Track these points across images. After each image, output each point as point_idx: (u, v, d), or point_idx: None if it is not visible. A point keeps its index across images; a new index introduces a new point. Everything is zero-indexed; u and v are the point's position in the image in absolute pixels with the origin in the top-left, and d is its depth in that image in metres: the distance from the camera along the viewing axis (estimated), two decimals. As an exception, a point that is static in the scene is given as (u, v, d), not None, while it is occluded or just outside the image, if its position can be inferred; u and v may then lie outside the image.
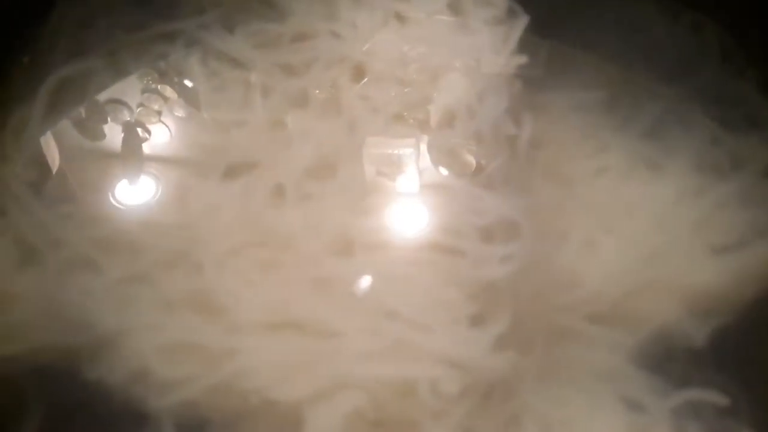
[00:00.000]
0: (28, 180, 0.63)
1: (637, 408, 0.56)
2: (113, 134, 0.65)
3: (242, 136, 0.63)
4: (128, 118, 0.66)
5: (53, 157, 0.65)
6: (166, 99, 0.67)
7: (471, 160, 0.62)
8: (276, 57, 0.67)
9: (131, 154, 0.64)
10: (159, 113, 0.66)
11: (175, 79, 0.67)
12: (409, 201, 0.61)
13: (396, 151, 0.62)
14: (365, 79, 0.65)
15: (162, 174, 0.64)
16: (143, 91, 0.67)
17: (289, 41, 0.68)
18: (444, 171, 0.62)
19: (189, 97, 0.66)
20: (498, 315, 0.55)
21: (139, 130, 0.65)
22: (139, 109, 0.66)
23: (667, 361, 0.58)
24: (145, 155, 0.64)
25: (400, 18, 0.68)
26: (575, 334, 0.58)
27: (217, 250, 0.58)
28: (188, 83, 0.67)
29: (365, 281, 0.56)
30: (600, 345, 0.58)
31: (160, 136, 0.66)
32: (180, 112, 0.66)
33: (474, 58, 0.65)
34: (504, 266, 0.56)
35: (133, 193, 0.63)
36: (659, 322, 0.59)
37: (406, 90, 0.64)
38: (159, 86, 0.67)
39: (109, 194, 0.63)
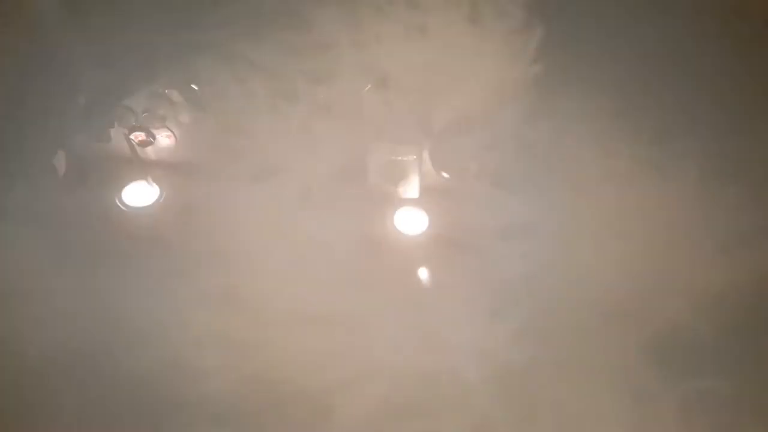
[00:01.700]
0: (65, 178, 0.65)
1: (646, 399, 0.57)
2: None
3: (270, 142, 0.65)
4: (134, 122, 0.67)
5: (88, 155, 0.68)
6: (173, 104, 0.68)
7: (475, 166, 0.64)
8: (302, 66, 0.68)
9: (161, 157, 0.67)
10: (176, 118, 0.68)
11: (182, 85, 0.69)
12: (431, 203, 0.62)
13: (410, 158, 0.64)
14: (387, 88, 0.67)
15: (196, 177, 0.66)
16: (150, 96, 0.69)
17: (314, 50, 0.69)
18: (447, 176, 0.64)
19: (202, 102, 0.68)
20: (515, 309, 0.56)
21: (165, 134, 0.68)
22: (144, 114, 0.68)
23: (676, 355, 0.59)
24: (175, 158, 0.66)
25: (421, 28, 0.69)
26: (588, 329, 0.59)
27: (248, 248, 0.59)
28: (194, 87, 0.69)
29: (390, 277, 0.57)
30: (611, 340, 0.59)
31: (189, 140, 0.68)
32: (196, 117, 0.68)
33: (492, 67, 0.66)
34: (521, 264, 0.58)
35: (169, 195, 0.65)
36: (668, 319, 0.60)
37: (427, 98, 0.66)
38: (167, 91, 0.69)
39: (143, 194, 0.65)
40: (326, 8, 0.71)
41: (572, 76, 0.71)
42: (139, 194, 0.65)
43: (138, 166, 0.67)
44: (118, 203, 0.64)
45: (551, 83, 0.69)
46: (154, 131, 0.68)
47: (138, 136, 0.68)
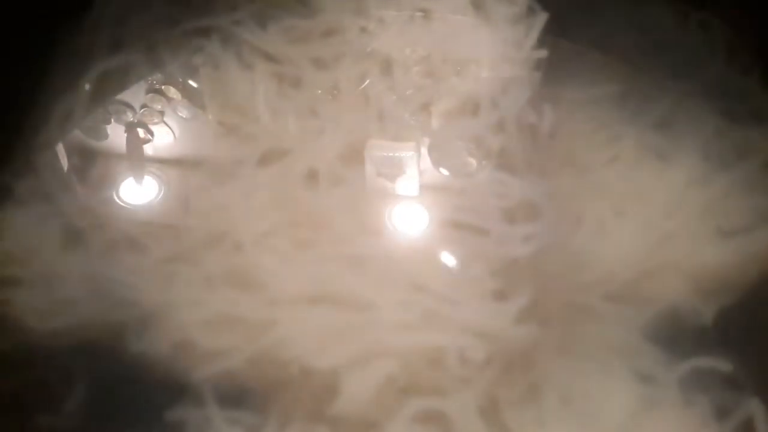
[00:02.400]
0: (73, 166, 0.66)
1: (648, 380, 0.57)
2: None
3: (277, 125, 0.65)
4: (132, 119, 0.68)
5: (96, 144, 0.68)
6: (169, 99, 0.69)
7: (472, 161, 0.64)
8: (307, 51, 0.68)
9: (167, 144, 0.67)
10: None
11: (180, 79, 0.69)
12: (437, 186, 0.63)
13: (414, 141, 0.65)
14: (392, 72, 0.67)
15: (202, 160, 0.66)
16: (147, 92, 0.69)
17: (319, 36, 0.70)
18: (445, 171, 0.64)
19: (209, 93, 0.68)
20: (520, 290, 0.56)
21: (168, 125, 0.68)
22: (143, 110, 0.69)
23: (677, 337, 0.60)
24: (184, 142, 0.67)
25: (425, 14, 0.70)
26: (591, 311, 0.60)
27: (255, 230, 0.59)
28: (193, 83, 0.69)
29: (396, 257, 0.58)
30: (614, 321, 0.60)
31: (197, 124, 0.69)
32: (203, 102, 0.69)
33: (496, 52, 0.67)
34: (525, 245, 0.58)
35: (174, 179, 0.65)
36: (669, 301, 0.61)
37: (432, 82, 0.66)
38: (164, 87, 0.70)
39: (149, 179, 0.65)
40: (331, -6, 0.71)
41: (576, 61, 0.72)
42: (147, 179, 0.66)
43: (146, 151, 0.68)
44: (125, 188, 0.65)
45: (555, 68, 0.70)
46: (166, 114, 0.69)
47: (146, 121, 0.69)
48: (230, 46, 0.70)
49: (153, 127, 0.69)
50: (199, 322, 0.57)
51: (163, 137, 0.69)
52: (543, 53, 0.68)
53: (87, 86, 0.69)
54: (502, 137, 0.63)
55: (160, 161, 0.68)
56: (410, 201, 0.62)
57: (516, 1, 0.70)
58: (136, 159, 0.66)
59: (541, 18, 0.69)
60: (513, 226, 0.59)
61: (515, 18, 0.70)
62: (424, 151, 0.64)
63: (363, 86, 0.67)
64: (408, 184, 0.63)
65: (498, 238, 0.59)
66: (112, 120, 0.68)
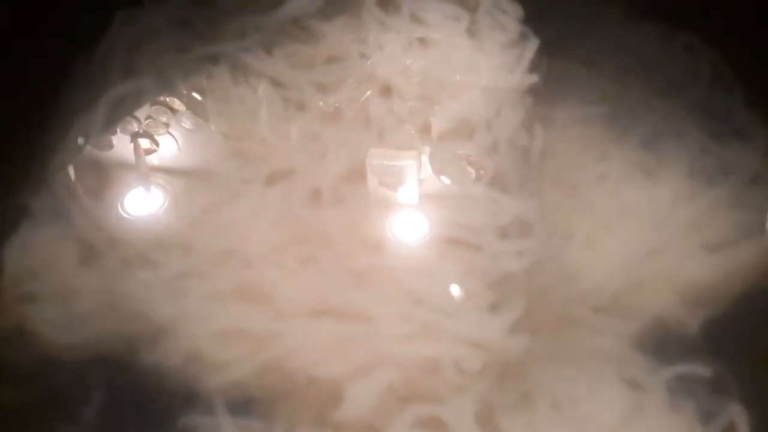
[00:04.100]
0: (87, 186, 0.68)
1: (636, 387, 0.59)
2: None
3: (282, 147, 0.67)
4: (137, 130, 0.69)
5: (109, 164, 0.70)
6: (174, 111, 0.70)
7: (471, 170, 0.65)
8: (311, 76, 0.70)
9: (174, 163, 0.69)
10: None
11: (184, 92, 0.70)
12: (433, 203, 0.65)
13: (411, 162, 0.66)
14: (392, 96, 0.69)
15: (208, 173, 0.68)
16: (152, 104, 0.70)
17: (322, 62, 0.71)
18: (446, 180, 0.65)
19: (201, 110, 0.70)
20: (513, 303, 0.58)
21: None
22: (147, 121, 0.70)
23: (664, 346, 0.62)
24: (194, 164, 0.69)
25: (422, 41, 0.71)
26: (581, 322, 0.62)
27: (262, 247, 0.61)
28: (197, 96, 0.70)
29: (395, 272, 0.59)
30: (603, 332, 0.62)
31: (206, 146, 0.70)
32: (212, 125, 0.70)
33: (490, 76, 0.68)
34: (518, 261, 0.60)
35: (180, 189, 0.67)
36: (656, 313, 0.63)
37: (428, 105, 0.68)
38: (168, 99, 0.70)
39: (160, 198, 0.67)
40: (333, 22, 0.73)
41: (565, 84, 0.74)
42: (153, 189, 0.68)
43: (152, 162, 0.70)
44: (133, 200, 0.67)
45: (546, 89, 0.71)
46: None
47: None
48: (238, 71, 0.71)
49: (158, 138, 0.71)
50: (209, 334, 0.59)
51: (169, 148, 0.70)
52: (535, 78, 0.70)
53: (102, 109, 0.71)
54: (496, 158, 0.65)
55: (167, 171, 0.69)
56: (409, 216, 0.64)
57: (509, 28, 0.72)
58: (143, 170, 0.68)
59: (533, 44, 0.71)
60: (506, 242, 0.61)
61: (508, 44, 0.71)
62: (424, 160, 0.66)
63: (363, 99, 0.69)
64: (407, 196, 0.65)
65: (492, 254, 0.60)
66: (118, 131, 0.70)
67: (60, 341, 0.61)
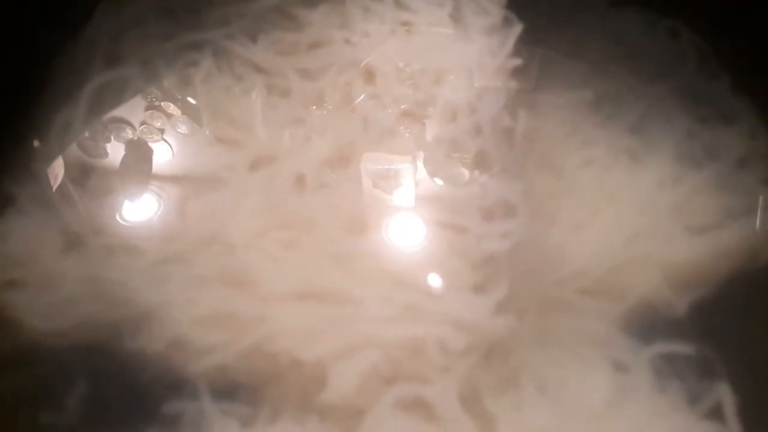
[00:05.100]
0: (71, 174, 0.68)
1: (622, 368, 0.59)
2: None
3: (266, 133, 0.67)
4: (132, 136, 0.69)
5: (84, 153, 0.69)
6: (169, 116, 0.70)
7: (465, 171, 0.66)
8: (295, 63, 0.70)
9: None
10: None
11: (179, 96, 0.70)
12: (419, 186, 0.65)
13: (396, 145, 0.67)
14: (375, 81, 0.69)
15: (194, 167, 0.68)
16: (146, 108, 0.71)
17: (306, 48, 0.71)
18: (439, 181, 0.65)
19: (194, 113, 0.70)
20: (497, 284, 0.58)
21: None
22: (142, 127, 0.70)
23: (650, 328, 0.61)
24: (176, 150, 0.69)
25: (406, 27, 0.72)
26: (566, 304, 0.62)
27: (245, 232, 0.61)
28: (191, 100, 0.70)
29: (379, 255, 0.60)
30: (589, 314, 0.62)
31: (189, 132, 0.70)
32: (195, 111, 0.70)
33: (474, 61, 0.69)
34: (502, 242, 0.60)
35: (168, 185, 0.67)
36: (642, 294, 0.63)
37: (412, 89, 0.68)
38: (162, 103, 0.70)
39: (144, 185, 0.67)
40: (317, 9, 0.73)
41: (551, 69, 0.74)
42: (140, 188, 0.68)
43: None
44: (122, 197, 0.67)
45: (531, 76, 0.72)
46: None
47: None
48: (222, 59, 0.71)
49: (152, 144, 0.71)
50: (193, 319, 0.59)
51: (162, 153, 0.70)
52: (518, 61, 0.70)
53: (86, 98, 0.70)
54: (479, 140, 0.65)
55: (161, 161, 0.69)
56: (392, 200, 0.64)
57: (492, 13, 0.72)
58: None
59: (516, 28, 0.71)
60: (490, 224, 0.61)
61: (492, 29, 0.72)
62: (411, 157, 0.66)
63: (358, 101, 0.69)
64: (390, 187, 0.65)
65: (476, 235, 0.61)
66: (112, 138, 0.70)
67: (44, 328, 0.61)
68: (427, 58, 0.70)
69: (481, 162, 0.65)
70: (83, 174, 0.68)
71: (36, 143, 0.69)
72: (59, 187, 0.67)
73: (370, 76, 0.70)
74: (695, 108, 0.72)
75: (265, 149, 0.67)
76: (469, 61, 0.69)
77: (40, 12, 0.72)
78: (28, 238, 0.64)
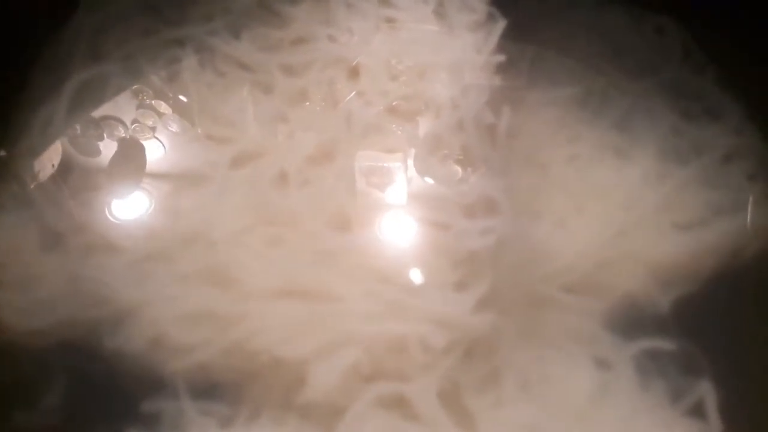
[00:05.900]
0: (52, 172, 0.67)
1: (605, 366, 0.59)
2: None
3: (249, 130, 0.66)
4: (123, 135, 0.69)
5: (74, 151, 0.69)
6: (160, 114, 0.69)
7: (457, 169, 0.65)
8: (278, 59, 0.70)
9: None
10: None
11: (170, 94, 0.70)
12: (401, 182, 0.64)
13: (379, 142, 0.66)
14: (360, 77, 0.68)
15: (176, 164, 0.67)
16: (138, 107, 0.70)
17: (290, 45, 0.71)
18: (430, 180, 0.65)
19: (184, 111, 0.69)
20: (479, 281, 0.58)
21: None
22: (134, 126, 0.69)
23: (634, 324, 0.61)
24: (159, 146, 0.69)
25: (390, 23, 0.72)
26: (550, 301, 0.61)
27: (228, 229, 0.61)
28: (183, 98, 0.70)
29: (361, 252, 0.59)
30: (573, 311, 0.62)
31: (172, 129, 0.69)
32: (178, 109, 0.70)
33: (457, 57, 0.68)
34: (484, 238, 0.59)
35: (150, 182, 0.67)
36: (627, 291, 0.63)
37: (396, 86, 0.68)
38: (153, 102, 0.70)
39: (126, 183, 0.66)
40: (300, 5, 0.73)
41: (537, 66, 0.73)
42: (126, 186, 0.67)
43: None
44: (108, 195, 0.66)
45: (516, 72, 0.71)
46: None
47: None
48: (205, 55, 0.71)
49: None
50: (173, 317, 0.59)
51: (152, 150, 0.70)
52: (502, 57, 0.69)
53: (67, 94, 0.69)
54: (462, 136, 0.65)
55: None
56: (376, 198, 0.64)
57: (476, 9, 0.72)
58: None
59: (500, 24, 0.71)
60: (472, 221, 0.61)
61: (475, 25, 0.71)
62: (400, 155, 0.66)
63: (331, 90, 0.69)
64: (372, 183, 0.65)
65: (458, 232, 0.60)
66: (105, 136, 0.69)
67: (23, 326, 0.60)
68: (411, 55, 0.69)
69: (466, 159, 0.64)
70: (65, 171, 0.68)
71: (2, 153, 0.68)
72: (40, 184, 0.67)
73: (353, 72, 0.69)
74: (681, 104, 0.72)
75: (248, 145, 0.66)
76: (453, 57, 0.69)
77: (22, 7, 0.71)
78: (7, 237, 0.63)
